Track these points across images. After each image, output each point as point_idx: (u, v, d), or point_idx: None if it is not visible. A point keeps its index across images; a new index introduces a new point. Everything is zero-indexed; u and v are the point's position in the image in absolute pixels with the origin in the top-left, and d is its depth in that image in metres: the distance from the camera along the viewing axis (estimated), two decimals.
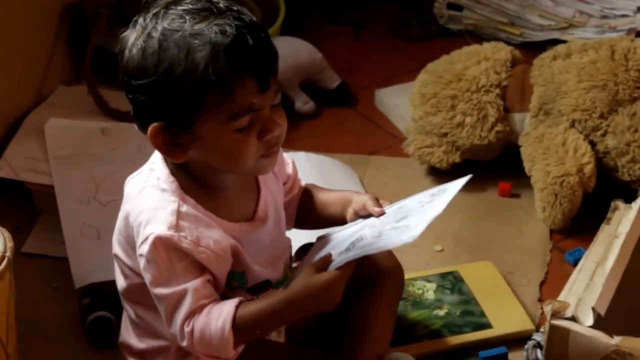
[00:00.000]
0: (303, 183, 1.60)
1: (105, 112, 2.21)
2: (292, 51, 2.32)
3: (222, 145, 1.32)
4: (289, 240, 1.54)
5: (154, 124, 1.32)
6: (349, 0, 2.77)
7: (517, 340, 1.70)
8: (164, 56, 1.28)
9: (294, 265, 1.59)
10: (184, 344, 1.35)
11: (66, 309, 1.79)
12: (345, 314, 1.55)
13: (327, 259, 1.38)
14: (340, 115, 2.37)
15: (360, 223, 1.48)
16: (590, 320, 1.51)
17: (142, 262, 1.35)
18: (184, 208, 1.36)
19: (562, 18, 2.54)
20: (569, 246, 1.95)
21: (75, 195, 1.95)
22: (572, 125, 2.01)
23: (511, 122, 2.09)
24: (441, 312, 1.77)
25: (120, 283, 1.46)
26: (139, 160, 1.45)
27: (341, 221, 1.52)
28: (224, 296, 1.38)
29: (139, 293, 1.41)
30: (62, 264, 1.84)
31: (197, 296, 1.34)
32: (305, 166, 1.88)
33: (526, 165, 2.05)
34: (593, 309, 1.51)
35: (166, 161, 1.40)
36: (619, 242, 1.69)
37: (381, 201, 1.49)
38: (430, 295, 1.80)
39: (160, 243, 1.33)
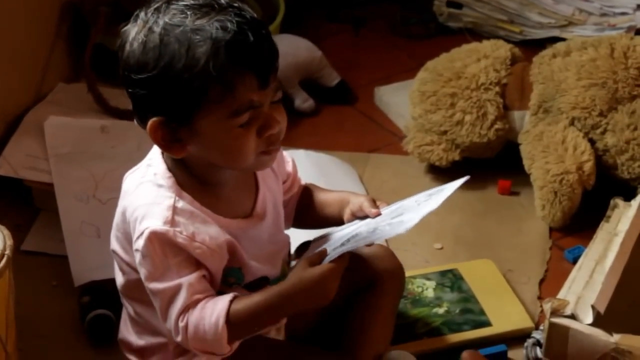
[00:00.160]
0: (303, 182, 1.60)
1: (105, 110, 2.21)
2: (292, 49, 2.31)
3: (222, 142, 1.32)
4: (287, 237, 1.54)
5: (154, 119, 1.32)
6: None
7: (517, 338, 1.70)
8: (164, 51, 1.28)
9: (293, 263, 1.59)
10: (179, 339, 1.35)
11: (66, 307, 1.79)
12: (345, 314, 1.56)
13: (322, 254, 1.38)
14: (339, 113, 2.37)
15: (357, 224, 1.48)
16: (589, 318, 1.51)
17: (137, 257, 1.35)
18: (180, 204, 1.36)
19: (561, 16, 2.53)
20: (568, 244, 1.95)
21: (75, 193, 1.95)
22: (572, 123, 2.01)
23: (511, 120, 2.09)
24: (441, 310, 1.76)
25: (119, 279, 1.47)
26: (139, 158, 1.45)
27: (339, 221, 1.52)
28: (221, 292, 1.38)
29: (137, 289, 1.41)
30: (61, 262, 1.84)
31: (192, 291, 1.33)
32: (304, 164, 1.88)
33: (526, 163, 2.05)
34: (592, 306, 1.52)
35: (164, 157, 1.40)
36: (618, 240, 1.69)
37: (378, 202, 1.49)
38: (429, 293, 1.80)
39: (155, 238, 1.33)
